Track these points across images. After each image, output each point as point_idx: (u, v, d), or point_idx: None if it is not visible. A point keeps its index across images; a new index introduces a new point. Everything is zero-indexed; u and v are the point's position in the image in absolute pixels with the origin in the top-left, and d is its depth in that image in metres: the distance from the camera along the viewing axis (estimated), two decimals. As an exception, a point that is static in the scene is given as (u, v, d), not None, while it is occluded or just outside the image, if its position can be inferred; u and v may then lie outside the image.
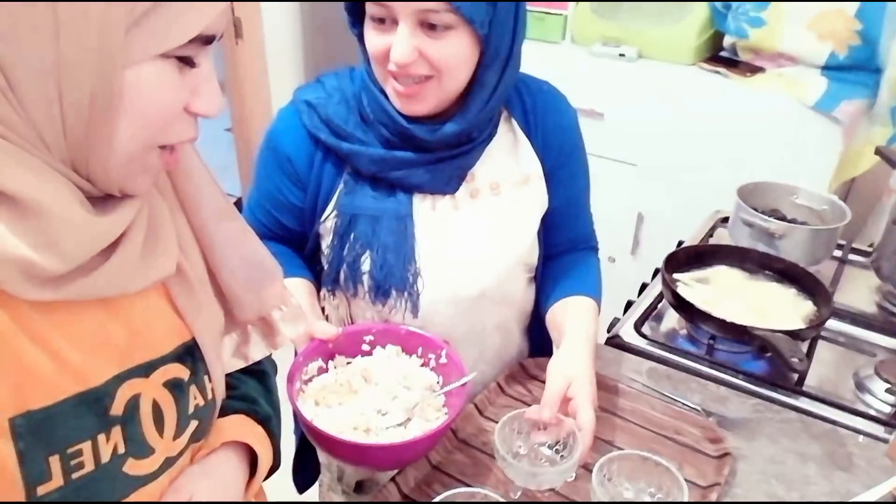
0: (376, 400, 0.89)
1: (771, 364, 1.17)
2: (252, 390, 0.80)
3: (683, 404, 1.04)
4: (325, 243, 1.03)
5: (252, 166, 1.10)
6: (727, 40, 2.12)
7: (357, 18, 0.93)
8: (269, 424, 0.78)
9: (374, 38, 0.89)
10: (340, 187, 1.00)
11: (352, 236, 0.99)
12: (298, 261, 1.08)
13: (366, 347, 0.98)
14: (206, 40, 0.53)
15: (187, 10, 0.50)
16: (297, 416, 0.86)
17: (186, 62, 0.53)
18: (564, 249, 1.14)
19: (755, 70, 2.04)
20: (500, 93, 0.95)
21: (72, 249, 0.51)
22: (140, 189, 0.57)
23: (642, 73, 2.12)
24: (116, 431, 0.58)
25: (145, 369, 0.61)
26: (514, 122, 1.04)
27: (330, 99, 0.99)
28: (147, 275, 0.58)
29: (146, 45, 0.49)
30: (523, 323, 1.17)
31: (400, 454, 0.84)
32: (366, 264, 0.99)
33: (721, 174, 1.96)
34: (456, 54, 0.88)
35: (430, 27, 0.86)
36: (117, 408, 0.58)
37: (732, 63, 2.08)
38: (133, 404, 0.59)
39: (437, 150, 0.97)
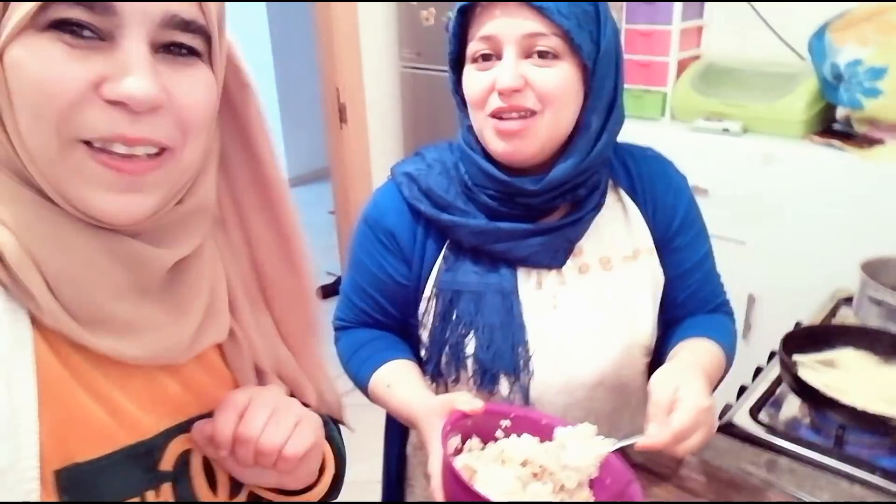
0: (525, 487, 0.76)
1: (913, 461, 1.03)
2: None
3: (811, 503, 0.92)
4: (425, 327, 0.98)
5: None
6: (840, 112, 2.01)
7: (459, 76, 0.92)
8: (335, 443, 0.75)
9: (477, 77, 0.88)
10: (440, 264, 0.96)
11: (454, 316, 0.94)
12: (402, 344, 1.02)
13: (499, 434, 0.83)
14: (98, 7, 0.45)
15: None
16: (450, 479, 0.73)
17: (74, 33, 0.45)
18: (694, 314, 1.05)
19: (873, 142, 1.91)
20: (603, 142, 0.91)
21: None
22: (106, 209, 0.49)
23: (748, 147, 2.03)
24: (166, 489, 0.56)
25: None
26: (622, 192, 0.99)
27: (431, 170, 0.97)
28: (194, 347, 0.58)
29: (12, 19, 0.44)
30: (638, 415, 1.09)
31: None
32: (470, 346, 0.93)
33: (839, 252, 1.81)
34: (562, 85, 0.85)
35: (536, 55, 0.84)
36: (167, 463, 0.56)
37: (847, 136, 1.97)
38: (183, 460, 0.58)
39: (543, 218, 0.93)
